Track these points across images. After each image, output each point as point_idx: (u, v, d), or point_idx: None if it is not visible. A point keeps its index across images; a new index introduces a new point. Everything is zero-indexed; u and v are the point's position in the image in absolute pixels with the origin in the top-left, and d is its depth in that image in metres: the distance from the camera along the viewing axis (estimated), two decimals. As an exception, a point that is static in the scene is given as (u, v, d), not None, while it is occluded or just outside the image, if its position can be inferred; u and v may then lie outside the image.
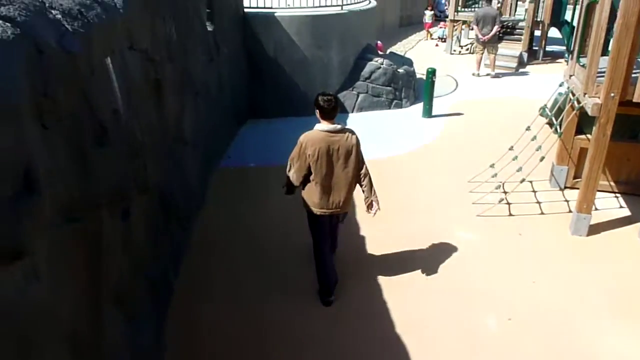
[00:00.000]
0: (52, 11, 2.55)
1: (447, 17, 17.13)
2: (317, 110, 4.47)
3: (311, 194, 4.58)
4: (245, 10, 9.13)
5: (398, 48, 16.43)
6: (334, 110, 4.44)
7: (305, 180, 4.59)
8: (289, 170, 4.66)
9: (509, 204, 6.46)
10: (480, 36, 12.65)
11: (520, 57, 14.21)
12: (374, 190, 4.70)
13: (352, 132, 4.54)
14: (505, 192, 6.54)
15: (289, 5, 9.71)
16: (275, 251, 5.59)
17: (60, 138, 2.38)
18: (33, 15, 2.27)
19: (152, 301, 4.23)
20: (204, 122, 6.59)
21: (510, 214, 6.32)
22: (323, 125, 4.44)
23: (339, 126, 4.46)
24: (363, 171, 4.66)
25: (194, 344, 4.32)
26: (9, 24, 2.05)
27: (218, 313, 4.67)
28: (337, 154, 4.44)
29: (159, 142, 4.58)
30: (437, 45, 17.31)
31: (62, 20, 2.54)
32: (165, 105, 4.70)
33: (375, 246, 5.63)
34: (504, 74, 13.25)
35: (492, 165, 6.87)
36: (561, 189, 6.89)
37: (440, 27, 18.29)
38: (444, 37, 17.27)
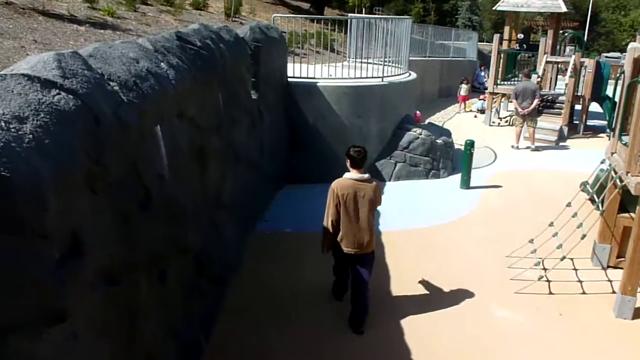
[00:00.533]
0: (111, 83, 2.73)
1: (486, 89, 17.34)
2: (348, 160, 5.13)
3: (340, 235, 5.14)
4: (289, 79, 9.45)
5: (436, 118, 16.60)
6: (362, 161, 5.09)
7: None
8: (325, 220, 5.21)
9: (549, 281, 6.28)
10: (519, 109, 12.72)
11: (561, 130, 14.15)
12: None
13: (376, 181, 5.18)
14: (545, 269, 6.37)
15: (330, 75, 10.01)
16: (308, 319, 5.53)
17: (107, 203, 2.48)
18: (93, 87, 2.44)
19: (182, 365, 4.21)
20: (243, 186, 6.73)
21: (551, 292, 6.12)
22: (352, 174, 5.06)
23: (366, 175, 5.05)
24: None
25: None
26: (71, 96, 2.20)
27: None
28: (362, 200, 4.98)
29: (199, 206, 4.69)
30: (475, 116, 17.43)
31: (119, 92, 2.71)
32: (207, 170, 4.84)
33: (408, 319, 5.51)
34: (543, 147, 13.18)
35: (531, 241, 6.74)
36: (604, 268, 6.67)
37: (480, 100, 18.44)
38: (483, 109, 17.40)
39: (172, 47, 4.04)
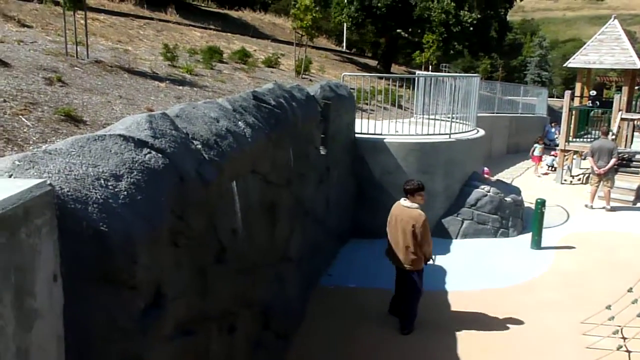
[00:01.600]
0: (194, 142, 2.90)
1: (557, 145, 16.93)
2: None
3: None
4: (356, 135, 9.61)
5: (505, 175, 16.28)
6: (411, 191, 6.12)
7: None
8: None
9: (628, 352, 5.90)
10: (595, 168, 12.31)
11: (638, 190, 13.52)
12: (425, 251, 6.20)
13: (419, 210, 6.06)
14: (624, 338, 6.00)
15: (397, 131, 10.11)
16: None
17: (187, 256, 2.60)
18: (179, 146, 2.60)
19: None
20: (309, 241, 6.80)
21: (631, 364, 5.75)
22: (402, 201, 6.22)
23: (410, 204, 6.12)
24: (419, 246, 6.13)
25: None
26: (160, 155, 2.36)
27: None
28: (400, 222, 6.10)
29: (267, 261, 4.79)
30: (546, 173, 16.97)
31: (202, 150, 2.88)
32: (277, 225, 4.95)
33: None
34: (620, 208, 12.61)
35: (608, 307, 6.39)
36: (690, 341, 6.21)
37: (551, 156, 17.99)
38: (554, 165, 16.96)
39: (248, 107, 4.25)
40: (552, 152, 18.10)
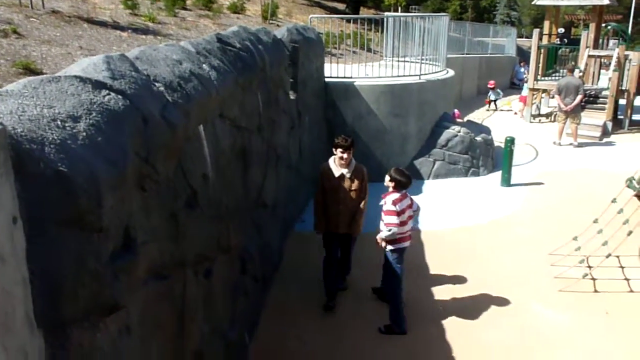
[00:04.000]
0: (156, 84, 2.81)
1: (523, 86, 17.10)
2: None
3: None
4: (326, 79, 9.49)
5: (475, 116, 16.38)
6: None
7: None
8: None
9: (594, 279, 6.13)
10: (562, 106, 12.45)
11: (604, 126, 13.78)
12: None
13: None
14: (589, 267, 6.22)
15: (367, 75, 10.01)
16: (347, 317, 5.55)
17: (156, 201, 2.55)
18: (140, 88, 2.51)
19: (226, 362, 4.28)
20: (283, 187, 6.79)
21: (596, 291, 5.98)
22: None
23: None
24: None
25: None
26: (120, 97, 2.28)
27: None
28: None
29: (241, 206, 4.76)
30: (515, 113, 17.12)
31: (164, 92, 2.79)
32: (249, 170, 4.91)
33: (449, 320, 5.46)
34: (587, 144, 12.86)
35: (575, 238, 6.59)
36: (653, 266, 6.47)
37: (489, 88, 18.31)
38: (495, 99, 17.74)
39: (213, 49, 4.12)
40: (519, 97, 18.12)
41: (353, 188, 5.50)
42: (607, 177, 9.51)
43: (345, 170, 5.47)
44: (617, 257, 6.44)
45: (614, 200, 6.52)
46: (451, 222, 8.12)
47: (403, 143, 9.79)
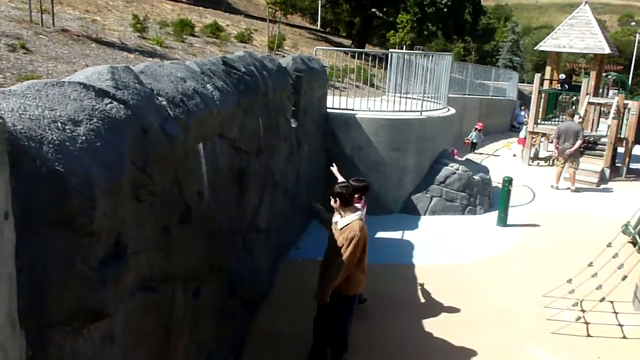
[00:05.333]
0: (159, 97, 2.84)
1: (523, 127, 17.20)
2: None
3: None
4: (328, 110, 9.58)
5: (474, 156, 16.48)
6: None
7: None
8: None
9: (587, 323, 6.08)
10: (555, 151, 12.65)
11: (602, 173, 13.85)
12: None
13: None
14: (583, 310, 6.17)
15: (369, 108, 10.10)
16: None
17: (150, 212, 2.55)
18: (142, 99, 2.54)
19: (211, 386, 4.21)
20: (278, 213, 6.78)
21: (589, 335, 5.92)
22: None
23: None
24: None
25: None
26: (122, 106, 2.30)
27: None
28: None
29: (235, 228, 4.75)
30: (514, 155, 17.22)
31: (166, 107, 2.81)
32: (245, 193, 4.92)
33: (442, 358, 5.38)
34: (584, 189, 12.90)
35: (569, 281, 6.56)
36: (646, 313, 6.43)
37: (475, 130, 17.80)
38: (474, 140, 17.43)
39: (217, 71, 4.17)
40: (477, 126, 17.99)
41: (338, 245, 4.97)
42: (603, 222, 9.52)
43: (337, 221, 5.00)
44: (611, 302, 6.40)
45: (609, 245, 6.51)
46: (445, 258, 8.09)
47: (401, 176, 9.82)
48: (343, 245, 4.74)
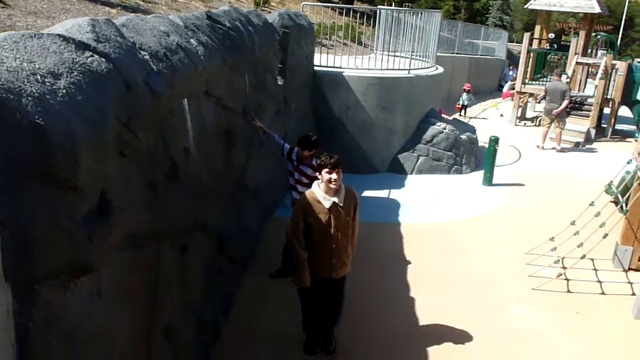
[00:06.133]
0: (141, 52, 2.78)
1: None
2: None
3: None
4: (315, 68, 9.47)
5: (463, 119, 16.46)
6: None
7: None
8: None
9: (567, 280, 6.21)
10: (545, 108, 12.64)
11: (588, 133, 13.94)
12: None
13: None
14: (564, 268, 6.30)
15: (357, 66, 10.00)
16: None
17: (135, 168, 2.53)
18: (125, 53, 2.48)
19: (199, 341, 4.28)
20: (265, 172, 6.78)
21: (569, 291, 6.06)
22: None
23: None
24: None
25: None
26: (104, 60, 2.25)
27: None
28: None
29: (222, 186, 4.75)
30: (501, 115, 17.24)
31: (150, 61, 2.76)
32: (232, 151, 4.90)
33: (426, 316, 5.48)
34: (569, 149, 13.00)
35: (551, 239, 6.67)
36: (625, 270, 6.56)
37: (464, 92, 17.33)
38: (465, 103, 16.93)
39: (202, 26, 4.09)
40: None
41: (348, 219, 4.34)
42: (587, 182, 9.63)
43: (336, 199, 4.23)
44: (592, 259, 6.53)
45: (592, 204, 6.60)
46: (431, 216, 8.17)
47: (389, 137, 9.81)
48: (343, 219, 4.28)
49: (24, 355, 1.66)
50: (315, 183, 4.30)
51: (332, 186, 4.15)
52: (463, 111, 16.84)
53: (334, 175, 4.11)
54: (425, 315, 5.49)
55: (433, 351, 4.94)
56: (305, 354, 4.74)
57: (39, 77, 1.75)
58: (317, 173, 4.23)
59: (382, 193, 8.97)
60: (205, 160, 3.94)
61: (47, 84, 1.77)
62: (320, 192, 4.22)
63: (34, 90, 1.67)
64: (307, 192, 4.29)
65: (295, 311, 5.39)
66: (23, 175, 1.59)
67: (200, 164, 3.82)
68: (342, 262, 4.41)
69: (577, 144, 13.43)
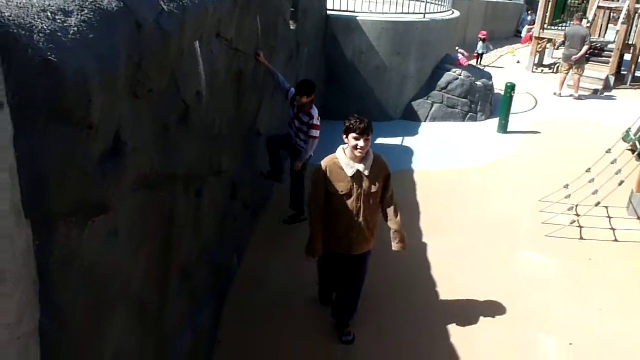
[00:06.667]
0: (152, -9, 2.71)
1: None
2: None
3: None
4: (328, 12, 9.27)
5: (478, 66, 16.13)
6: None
7: None
8: None
9: (580, 227, 6.22)
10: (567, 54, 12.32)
11: (607, 80, 13.62)
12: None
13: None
14: (577, 215, 6.30)
15: (371, 10, 9.77)
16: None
17: (148, 110, 2.52)
18: (136, -7, 2.42)
19: (214, 284, 4.37)
20: (278, 117, 6.74)
21: (582, 238, 6.08)
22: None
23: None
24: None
25: (248, 331, 4.42)
26: (114, -1, 2.20)
27: (271, 305, 4.74)
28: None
29: (235, 131, 4.74)
30: (518, 62, 16.86)
31: (160, 0, 2.70)
32: (244, 96, 4.86)
33: (438, 261, 5.53)
34: (587, 97, 12.75)
35: (566, 186, 6.64)
36: (639, 218, 6.55)
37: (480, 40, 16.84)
38: (484, 52, 16.58)
39: (213, -35, 3.97)
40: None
41: (373, 190, 3.93)
42: (604, 130, 9.49)
43: (361, 166, 3.86)
44: (606, 207, 6.52)
45: (608, 151, 6.53)
46: (445, 164, 8.14)
47: (402, 83, 9.67)
48: (368, 189, 3.91)
49: (44, 290, 1.70)
50: (340, 148, 3.96)
51: (358, 154, 3.80)
52: (479, 60, 16.42)
53: (361, 143, 3.74)
54: (437, 260, 5.56)
55: (444, 294, 5.03)
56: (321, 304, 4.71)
57: (49, 14, 1.72)
58: (344, 137, 3.87)
59: (396, 140, 8.92)
60: (217, 105, 3.91)
61: (58, 21, 1.74)
62: (344, 158, 3.88)
63: (45, 27, 1.64)
64: (330, 158, 3.97)
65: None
66: (37, 113, 1.58)
67: (213, 108, 3.79)
68: (363, 237, 4.03)
69: (595, 92, 13.17)
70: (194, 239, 3.66)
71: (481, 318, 4.73)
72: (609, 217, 6.52)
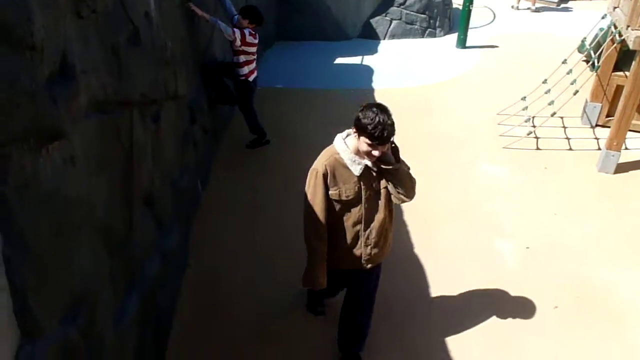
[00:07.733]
0: None
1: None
2: None
3: None
4: None
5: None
6: None
7: None
8: None
9: (537, 138, 6.38)
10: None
11: (564, -9, 13.56)
12: None
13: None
14: (534, 126, 6.44)
15: None
16: (296, 169, 5.65)
17: (94, 31, 2.42)
18: None
19: (180, 209, 4.37)
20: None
21: (538, 148, 6.25)
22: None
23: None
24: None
25: (216, 253, 4.49)
26: None
27: (241, 226, 4.81)
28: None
29: (189, 55, 4.60)
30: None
31: None
32: (195, 18, 4.68)
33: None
34: (544, 9, 12.71)
35: (523, 98, 6.74)
36: (592, 127, 6.74)
37: None
38: None
39: None
40: None
41: (384, 186, 3.09)
42: (561, 42, 9.52)
43: (369, 162, 2.98)
44: (561, 117, 6.67)
45: (564, 62, 6.60)
46: (405, 81, 8.12)
47: (360, 0, 9.44)
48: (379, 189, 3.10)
49: (4, 218, 1.68)
50: (339, 138, 3.01)
51: (369, 159, 2.92)
52: None
53: (376, 152, 2.85)
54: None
55: (402, 206, 5.12)
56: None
57: None
58: (354, 132, 2.88)
59: (355, 59, 8.82)
60: (168, 27, 3.78)
61: None
62: (347, 154, 2.95)
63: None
64: (328, 154, 2.99)
65: (271, 178, 5.50)
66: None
67: (164, 31, 3.66)
68: (376, 246, 3.16)
69: (552, 3, 13.12)
70: (155, 165, 3.62)
71: (440, 225, 4.92)
72: (564, 127, 6.70)
